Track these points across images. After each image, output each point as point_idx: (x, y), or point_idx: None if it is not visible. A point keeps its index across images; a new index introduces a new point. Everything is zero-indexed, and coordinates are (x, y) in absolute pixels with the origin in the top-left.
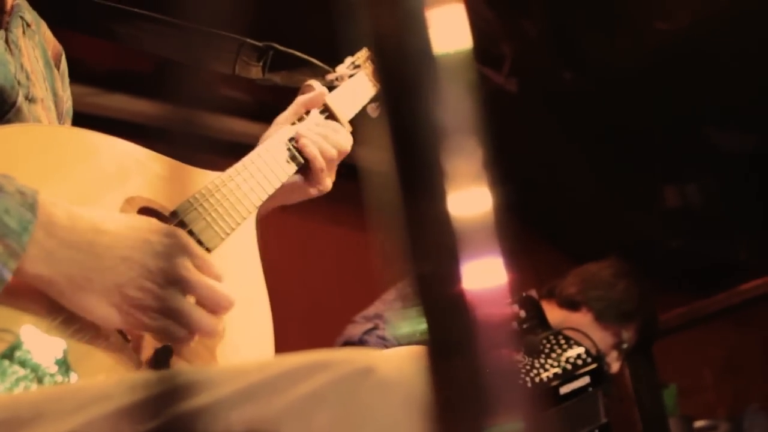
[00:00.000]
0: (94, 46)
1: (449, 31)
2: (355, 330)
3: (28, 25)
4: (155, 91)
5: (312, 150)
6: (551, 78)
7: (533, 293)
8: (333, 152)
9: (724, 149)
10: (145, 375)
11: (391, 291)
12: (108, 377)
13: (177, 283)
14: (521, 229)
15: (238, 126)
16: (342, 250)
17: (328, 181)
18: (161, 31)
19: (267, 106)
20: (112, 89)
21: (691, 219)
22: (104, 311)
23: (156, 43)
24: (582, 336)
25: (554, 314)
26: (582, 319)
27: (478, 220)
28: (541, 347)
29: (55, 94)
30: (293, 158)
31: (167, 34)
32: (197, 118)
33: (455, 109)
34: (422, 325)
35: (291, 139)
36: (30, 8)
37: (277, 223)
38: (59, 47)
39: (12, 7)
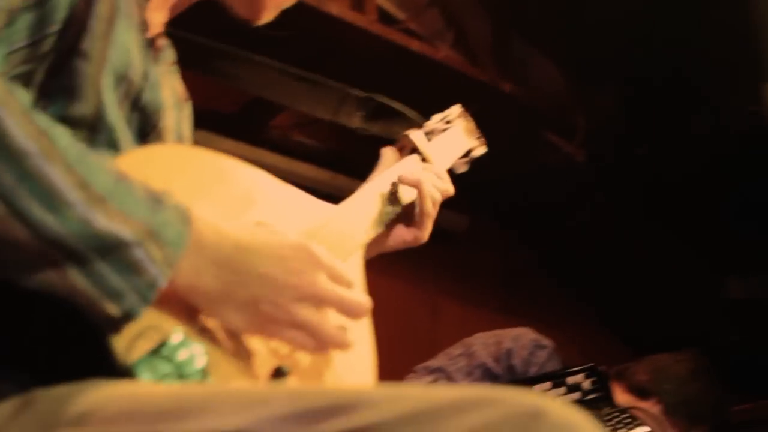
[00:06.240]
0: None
1: None
2: (414, 381)
3: (171, 64)
4: (237, 131)
5: (424, 189)
6: (623, 151)
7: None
8: (439, 197)
9: None
10: (308, 386)
11: (457, 346)
12: (264, 384)
13: (309, 297)
14: (574, 305)
15: (306, 171)
16: None
17: (429, 229)
18: (266, 74)
19: (336, 154)
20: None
21: (755, 312)
22: (239, 324)
23: (261, 85)
24: (649, 418)
25: (621, 398)
26: (650, 409)
27: None
28: (603, 422)
29: (180, 135)
30: (394, 202)
31: (273, 78)
32: None
33: None
34: None
35: (394, 184)
36: (172, 51)
37: None
38: (185, 93)
39: (161, 44)
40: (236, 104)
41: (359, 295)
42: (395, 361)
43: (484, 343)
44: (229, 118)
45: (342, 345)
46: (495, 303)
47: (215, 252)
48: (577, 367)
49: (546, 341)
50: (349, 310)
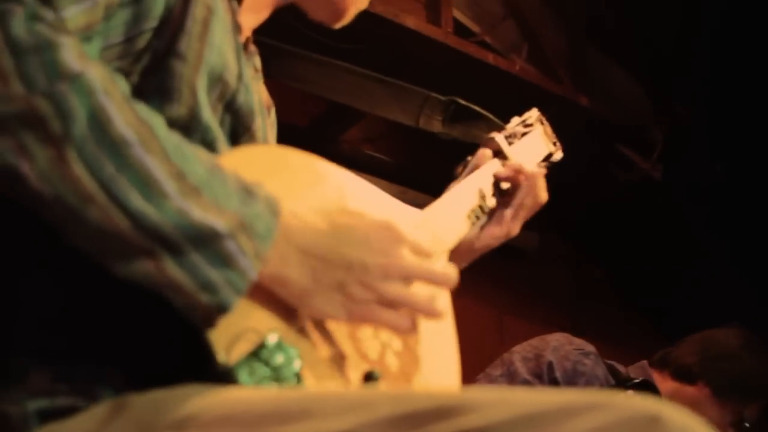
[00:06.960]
0: None
1: None
2: None
3: (256, 71)
4: (308, 145)
5: (518, 177)
6: (701, 168)
7: (645, 364)
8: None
9: None
10: (409, 389)
11: (496, 365)
12: (366, 387)
13: (396, 275)
14: (644, 325)
15: (376, 185)
16: None
17: (519, 223)
18: (348, 79)
19: (406, 168)
20: None
21: None
22: (330, 309)
23: (343, 91)
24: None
25: (666, 386)
26: (697, 394)
27: None
28: None
29: (266, 141)
30: (480, 209)
31: (355, 83)
32: None
33: None
34: None
35: (482, 189)
36: (258, 58)
37: None
38: (270, 100)
39: (252, 50)
40: (307, 118)
41: (445, 265)
42: (461, 378)
43: (523, 359)
44: (300, 132)
45: (434, 314)
46: (563, 321)
47: (300, 240)
48: (627, 382)
49: (589, 346)
50: (437, 280)
